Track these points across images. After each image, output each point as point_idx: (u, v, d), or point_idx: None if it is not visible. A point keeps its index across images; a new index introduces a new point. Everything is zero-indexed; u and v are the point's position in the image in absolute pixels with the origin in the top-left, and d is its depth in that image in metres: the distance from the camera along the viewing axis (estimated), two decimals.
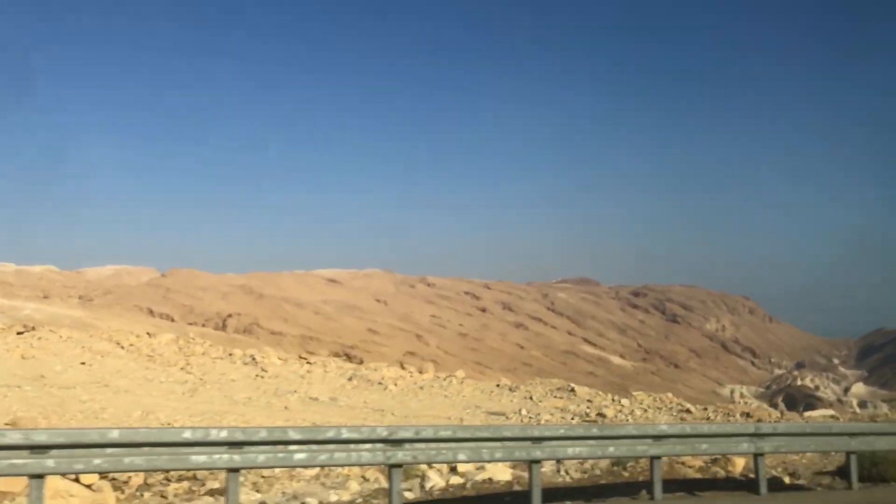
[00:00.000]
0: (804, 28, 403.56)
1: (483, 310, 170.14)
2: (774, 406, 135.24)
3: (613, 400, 24.13)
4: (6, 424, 15.73)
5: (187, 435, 8.00)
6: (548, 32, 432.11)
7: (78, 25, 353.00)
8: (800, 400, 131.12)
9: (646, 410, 22.17)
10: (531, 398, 24.09)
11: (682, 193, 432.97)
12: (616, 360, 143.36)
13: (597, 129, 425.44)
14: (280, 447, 8.25)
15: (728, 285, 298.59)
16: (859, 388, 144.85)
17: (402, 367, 32.33)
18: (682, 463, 13.12)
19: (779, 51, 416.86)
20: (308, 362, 30.14)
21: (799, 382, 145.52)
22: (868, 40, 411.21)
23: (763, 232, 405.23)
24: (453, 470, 12.40)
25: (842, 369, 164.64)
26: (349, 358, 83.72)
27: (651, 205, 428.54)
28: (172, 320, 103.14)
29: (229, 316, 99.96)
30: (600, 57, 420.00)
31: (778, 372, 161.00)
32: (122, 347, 30.28)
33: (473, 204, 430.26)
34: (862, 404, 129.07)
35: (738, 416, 21.79)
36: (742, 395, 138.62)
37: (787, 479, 12.50)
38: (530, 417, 21.02)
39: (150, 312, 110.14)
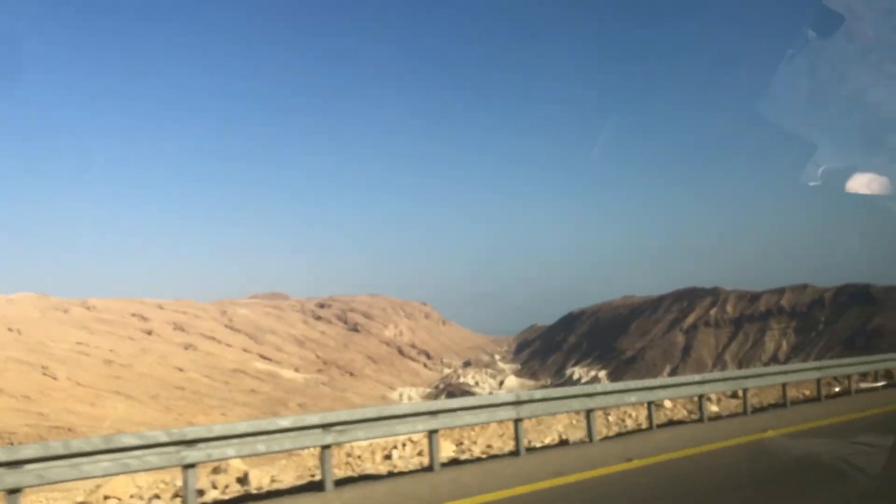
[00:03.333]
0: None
1: (149, 332, 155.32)
2: None
3: None
4: None
5: None
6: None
7: None
8: (459, 396, 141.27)
9: None
10: None
11: (368, 205, 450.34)
12: (288, 373, 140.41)
13: (281, 133, 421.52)
14: None
15: (409, 293, 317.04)
16: (511, 381, 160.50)
17: None
18: None
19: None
20: None
21: (462, 380, 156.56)
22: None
23: (438, 240, 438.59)
24: None
25: (500, 364, 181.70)
26: None
27: (338, 215, 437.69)
28: None
29: None
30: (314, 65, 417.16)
31: (446, 371, 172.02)
32: None
33: (154, 215, 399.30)
34: None
35: None
36: (409, 398, 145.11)
37: None
38: None
39: None
